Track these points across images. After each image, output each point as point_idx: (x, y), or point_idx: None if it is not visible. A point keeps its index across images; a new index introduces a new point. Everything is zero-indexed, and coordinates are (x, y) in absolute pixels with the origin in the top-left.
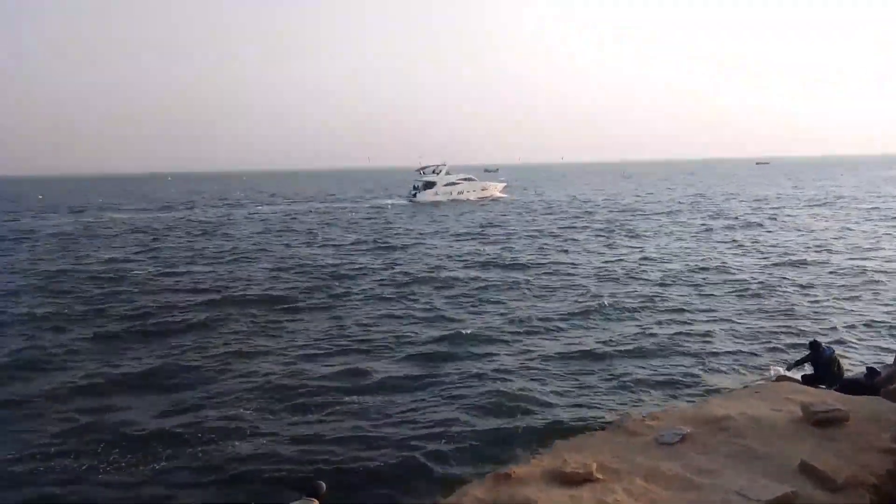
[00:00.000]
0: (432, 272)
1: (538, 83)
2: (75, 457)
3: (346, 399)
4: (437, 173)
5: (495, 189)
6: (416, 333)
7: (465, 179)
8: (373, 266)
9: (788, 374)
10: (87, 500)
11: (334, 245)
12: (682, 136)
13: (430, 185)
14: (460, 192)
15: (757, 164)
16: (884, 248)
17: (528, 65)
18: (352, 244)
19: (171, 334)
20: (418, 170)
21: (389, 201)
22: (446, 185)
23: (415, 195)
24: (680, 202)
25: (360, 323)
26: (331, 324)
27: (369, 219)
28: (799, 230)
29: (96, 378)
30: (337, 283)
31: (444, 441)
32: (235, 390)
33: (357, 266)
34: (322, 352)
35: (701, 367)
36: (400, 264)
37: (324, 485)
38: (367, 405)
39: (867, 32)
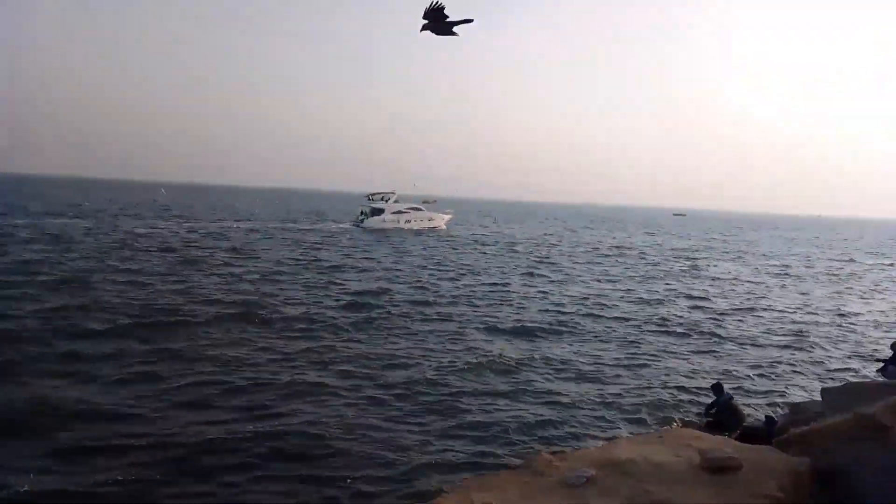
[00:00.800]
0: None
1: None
2: None
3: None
4: (387, 201)
5: (441, 220)
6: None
7: (413, 209)
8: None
9: (695, 419)
10: None
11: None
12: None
13: (378, 211)
14: (407, 221)
15: (674, 214)
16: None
17: (481, 102)
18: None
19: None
20: (367, 196)
21: (337, 225)
22: (394, 213)
23: (362, 220)
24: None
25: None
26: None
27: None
28: (729, 280)
29: None
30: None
31: (351, 475)
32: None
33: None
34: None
35: (612, 409)
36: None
37: None
38: (269, 433)
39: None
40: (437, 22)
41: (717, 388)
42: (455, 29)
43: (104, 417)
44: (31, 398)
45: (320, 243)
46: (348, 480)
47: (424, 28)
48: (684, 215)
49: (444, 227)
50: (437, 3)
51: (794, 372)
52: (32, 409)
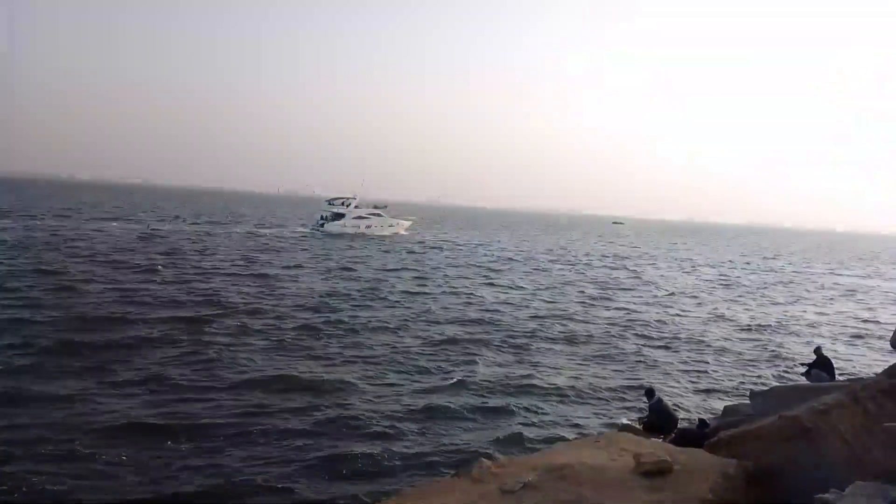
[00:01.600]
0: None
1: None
2: None
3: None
4: (347, 206)
5: (401, 227)
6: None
7: (374, 214)
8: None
9: (631, 423)
10: None
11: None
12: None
13: (338, 216)
14: (368, 227)
15: (614, 223)
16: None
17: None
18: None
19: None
20: (328, 200)
21: (300, 229)
22: (355, 217)
23: (322, 225)
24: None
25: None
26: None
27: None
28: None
29: None
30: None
31: (292, 477)
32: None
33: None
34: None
35: (553, 415)
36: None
37: None
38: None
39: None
40: None
41: (649, 392)
42: None
43: None
44: None
45: (281, 248)
46: (287, 480)
47: None
48: (622, 223)
49: (405, 233)
50: None
51: (731, 373)
52: None
